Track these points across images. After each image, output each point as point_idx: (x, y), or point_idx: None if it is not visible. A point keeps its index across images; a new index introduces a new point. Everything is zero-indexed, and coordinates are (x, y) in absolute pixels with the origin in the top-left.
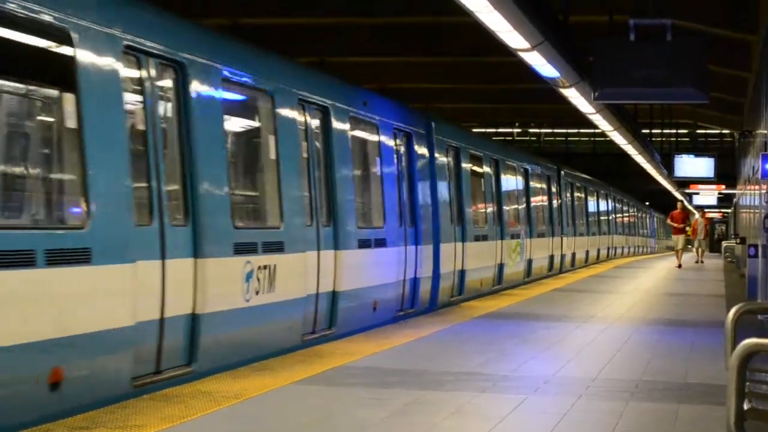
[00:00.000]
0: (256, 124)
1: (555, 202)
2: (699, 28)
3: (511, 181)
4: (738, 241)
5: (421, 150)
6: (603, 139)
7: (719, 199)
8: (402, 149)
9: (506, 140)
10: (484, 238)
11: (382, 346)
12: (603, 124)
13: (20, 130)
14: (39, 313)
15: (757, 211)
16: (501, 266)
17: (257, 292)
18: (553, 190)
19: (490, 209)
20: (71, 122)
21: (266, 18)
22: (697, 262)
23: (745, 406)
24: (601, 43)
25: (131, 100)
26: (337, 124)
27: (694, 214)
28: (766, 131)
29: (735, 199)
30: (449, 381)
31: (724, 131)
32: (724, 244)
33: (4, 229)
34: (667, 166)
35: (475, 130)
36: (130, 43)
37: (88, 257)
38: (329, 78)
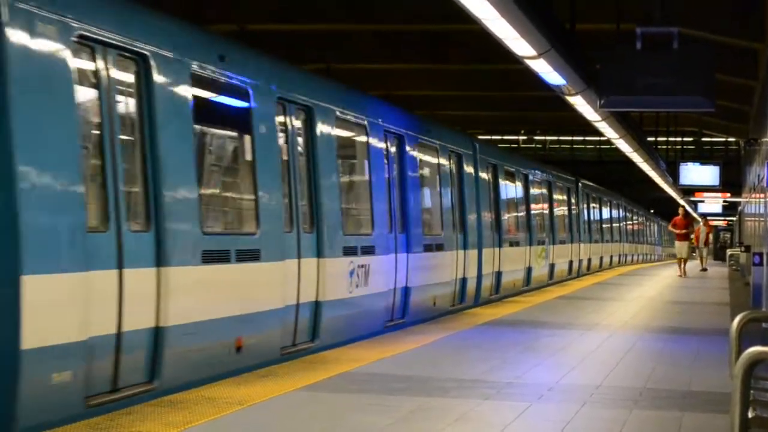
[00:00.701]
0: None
1: (574, 212)
2: (706, 37)
3: (537, 193)
4: (743, 249)
5: (469, 168)
6: (608, 146)
7: (724, 207)
8: (455, 168)
9: (512, 147)
10: (516, 244)
11: (387, 352)
12: (609, 131)
13: None
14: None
15: (762, 219)
16: (529, 269)
17: (357, 286)
18: (572, 200)
19: (521, 218)
20: None
21: (273, 24)
22: (702, 269)
23: (750, 415)
24: (608, 51)
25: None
26: (410, 150)
27: (698, 220)
28: None
29: (740, 207)
30: (453, 388)
31: (730, 139)
32: (728, 252)
33: None
34: (673, 174)
35: (480, 137)
36: (85, 33)
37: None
38: (401, 111)
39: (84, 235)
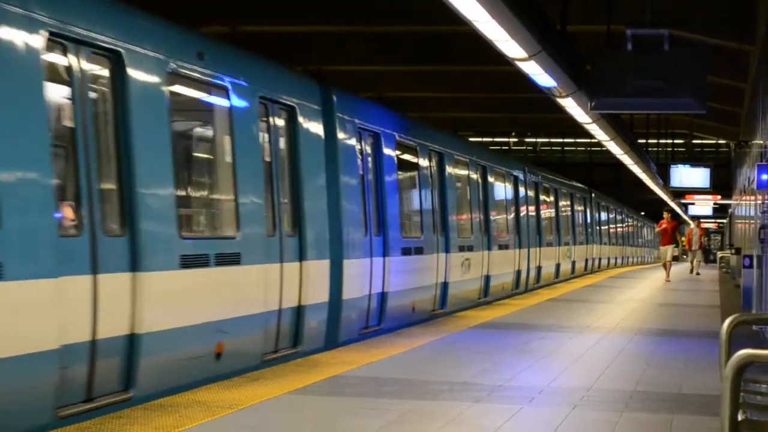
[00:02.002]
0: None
1: (588, 218)
2: (697, 39)
3: (562, 202)
4: (733, 251)
5: (522, 187)
6: (599, 148)
7: (714, 210)
8: (511, 185)
9: (502, 149)
10: (550, 244)
11: (377, 356)
12: (599, 133)
13: None
14: None
15: (752, 221)
16: (558, 265)
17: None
18: (587, 209)
19: (552, 223)
20: None
21: (265, 26)
22: (692, 272)
23: (740, 417)
24: (599, 53)
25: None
26: (460, 170)
27: (687, 223)
28: (762, 142)
29: (730, 210)
30: (444, 391)
31: (720, 141)
32: (718, 254)
33: None
34: (663, 176)
35: (471, 139)
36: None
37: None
38: (450, 134)
39: (56, 239)
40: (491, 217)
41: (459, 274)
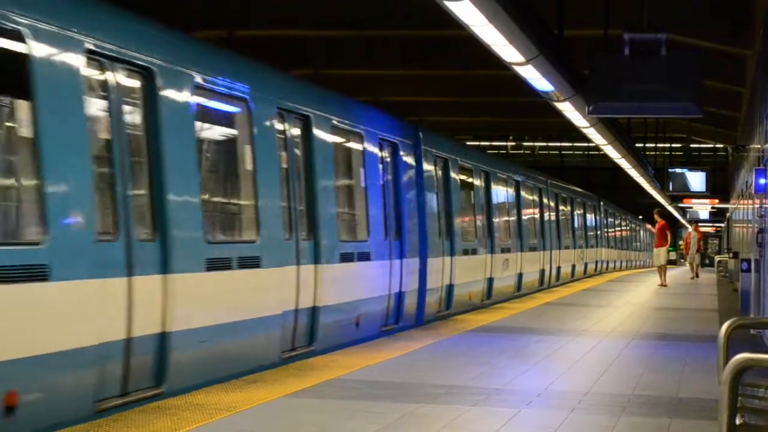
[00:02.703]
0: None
1: (597, 224)
2: (694, 43)
3: (577, 211)
4: (731, 255)
5: (545, 197)
6: (597, 152)
7: (711, 213)
8: (537, 196)
9: (500, 153)
10: (567, 247)
11: (374, 359)
12: (597, 137)
13: None
14: None
15: (750, 225)
16: (573, 266)
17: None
18: (598, 215)
19: (569, 229)
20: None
21: (261, 30)
22: (692, 278)
23: (738, 421)
24: (596, 57)
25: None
26: (500, 185)
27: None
28: (759, 146)
29: (728, 214)
30: (441, 394)
31: (718, 145)
32: (716, 258)
33: None
34: (661, 180)
35: (469, 143)
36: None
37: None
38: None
39: (95, 244)
40: (523, 224)
41: (501, 271)
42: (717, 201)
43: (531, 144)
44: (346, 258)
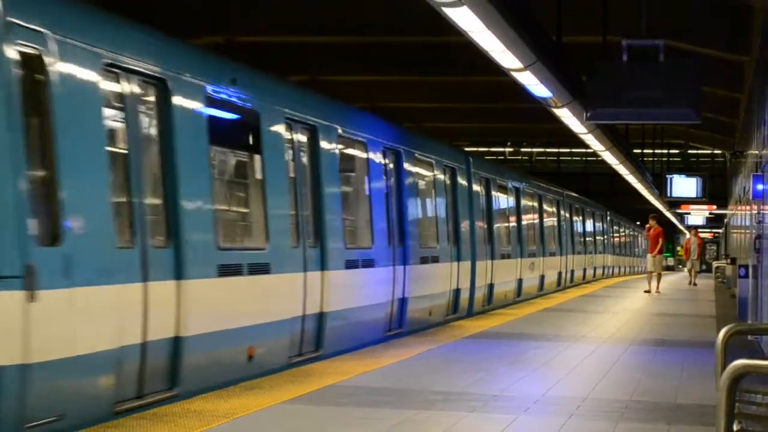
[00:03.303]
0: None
1: (605, 233)
2: (692, 49)
3: (588, 221)
4: (729, 261)
5: (561, 208)
6: (594, 158)
7: (708, 219)
8: (555, 207)
9: (498, 159)
10: (579, 253)
11: (371, 365)
12: (595, 144)
13: None
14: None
15: (747, 231)
16: (584, 270)
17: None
18: (604, 225)
19: (582, 237)
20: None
21: (259, 36)
22: (690, 284)
23: (735, 427)
24: (594, 64)
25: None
26: (529, 200)
27: (683, 232)
28: (757, 152)
29: (726, 220)
30: (439, 401)
31: (716, 152)
32: (714, 264)
33: None
34: (659, 186)
35: (467, 149)
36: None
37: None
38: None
39: (114, 251)
40: (545, 232)
41: (528, 273)
42: (715, 207)
43: (529, 150)
44: (424, 260)
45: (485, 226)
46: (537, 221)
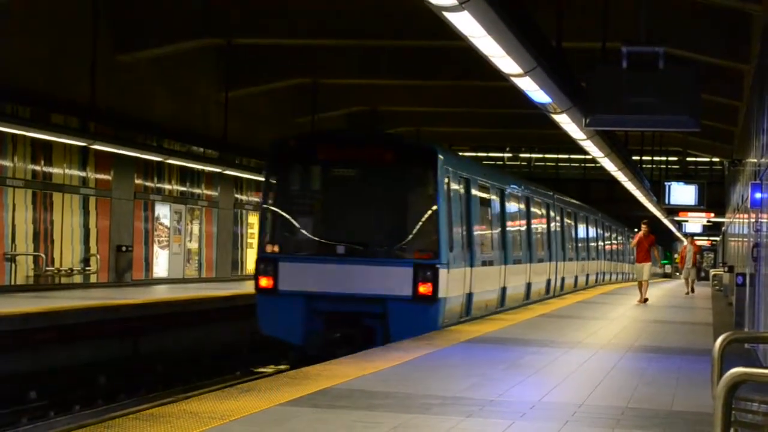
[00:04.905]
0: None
1: (616, 243)
2: (692, 57)
3: (612, 234)
4: (726, 269)
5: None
6: (593, 165)
7: (705, 227)
8: (585, 223)
9: (496, 164)
10: (593, 259)
11: (368, 369)
12: (594, 150)
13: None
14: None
15: (745, 239)
16: (597, 274)
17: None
18: (617, 236)
19: (598, 245)
20: None
21: (261, 39)
22: (687, 293)
23: None
24: (594, 70)
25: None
26: (568, 218)
27: (680, 240)
28: (756, 160)
29: (724, 228)
30: (436, 405)
31: (714, 159)
32: (711, 272)
33: None
34: (657, 193)
35: (465, 154)
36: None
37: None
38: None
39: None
40: (552, 239)
41: (537, 277)
42: (712, 215)
43: (528, 155)
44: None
45: (463, 230)
46: (567, 234)
